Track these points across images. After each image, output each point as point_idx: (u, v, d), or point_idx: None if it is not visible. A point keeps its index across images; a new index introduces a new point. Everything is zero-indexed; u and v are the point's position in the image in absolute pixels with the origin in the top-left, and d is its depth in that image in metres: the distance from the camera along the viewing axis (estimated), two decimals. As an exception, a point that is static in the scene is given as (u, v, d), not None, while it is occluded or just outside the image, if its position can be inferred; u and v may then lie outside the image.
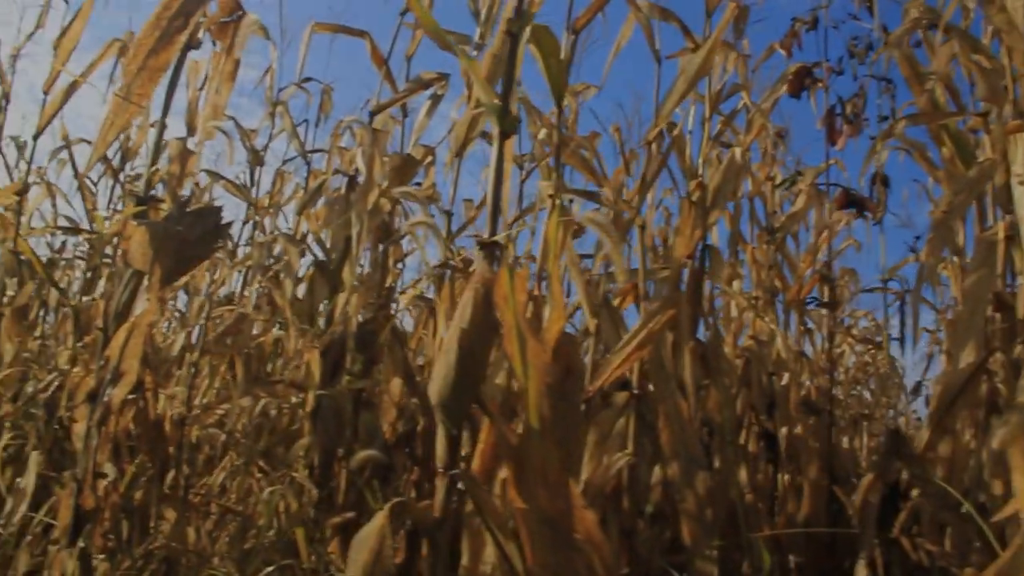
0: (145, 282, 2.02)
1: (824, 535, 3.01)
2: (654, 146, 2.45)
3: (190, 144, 3.21)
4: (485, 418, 1.63)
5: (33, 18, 3.50)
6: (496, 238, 1.54)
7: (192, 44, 2.32)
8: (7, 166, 4.12)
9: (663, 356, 2.32)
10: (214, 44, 2.47)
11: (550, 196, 1.95)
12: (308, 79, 3.59)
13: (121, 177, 3.78)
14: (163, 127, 2.24)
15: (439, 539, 1.51)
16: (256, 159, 3.34)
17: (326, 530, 2.41)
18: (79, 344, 2.43)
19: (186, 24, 2.19)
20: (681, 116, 3.18)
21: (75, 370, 2.21)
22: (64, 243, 4.88)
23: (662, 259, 3.69)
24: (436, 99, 2.99)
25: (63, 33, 2.88)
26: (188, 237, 2.09)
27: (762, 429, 2.68)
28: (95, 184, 4.50)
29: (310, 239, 3.47)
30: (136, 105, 2.06)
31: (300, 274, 3.08)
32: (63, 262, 4.88)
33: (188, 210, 2.13)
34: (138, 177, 4.41)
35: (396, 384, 2.95)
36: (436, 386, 1.46)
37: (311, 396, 2.35)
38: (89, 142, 3.52)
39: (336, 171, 3.34)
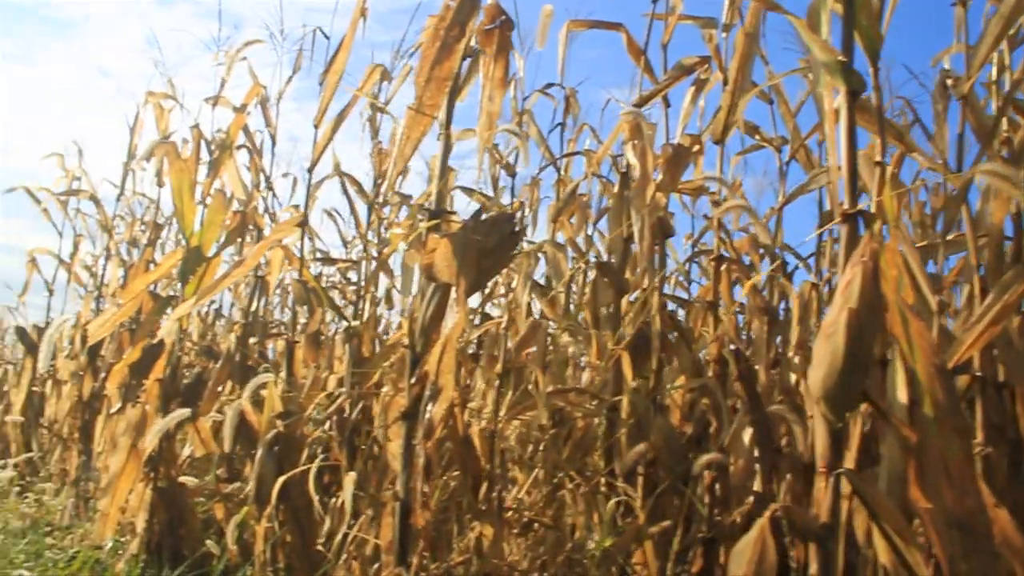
0: (453, 295, 1.99)
1: None
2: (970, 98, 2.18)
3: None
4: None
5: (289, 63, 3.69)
6: (860, 208, 1.37)
7: (467, 53, 2.30)
8: (266, 205, 4.36)
9: (1009, 332, 2.06)
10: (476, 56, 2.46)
11: (876, 164, 1.74)
12: (550, 84, 3.53)
13: (378, 200, 3.86)
14: (448, 139, 2.23)
15: (830, 546, 1.35)
16: (509, 170, 3.32)
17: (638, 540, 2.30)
18: (386, 365, 2.45)
19: (462, 33, 2.17)
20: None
21: (384, 390, 2.22)
22: (320, 273, 5.12)
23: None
24: (700, 84, 2.84)
25: (328, 66, 2.97)
26: (486, 246, 2.06)
27: None
28: (334, 215, 4.67)
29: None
30: (429, 116, 2.05)
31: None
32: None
33: (483, 219, 2.10)
34: (385, 204, 4.54)
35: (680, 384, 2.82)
36: (819, 374, 1.30)
37: (627, 401, 2.25)
38: (348, 175, 3.63)
39: (593, 174, 3.25)
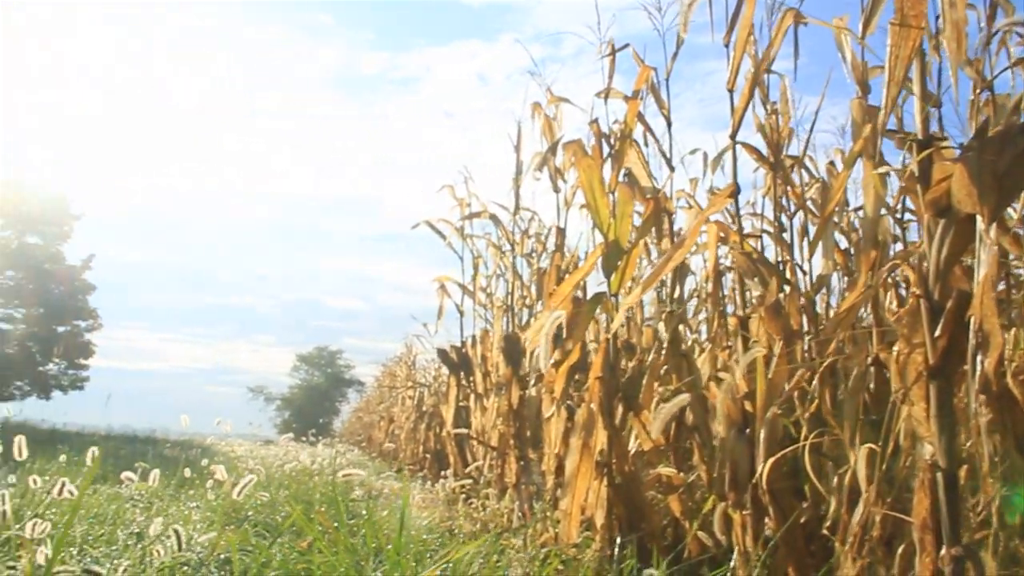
0: (980, 225, 1.71)
1: None
2: None
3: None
4: None
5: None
6: None
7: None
8: (655, 187, 4.27)
9: None
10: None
11: None
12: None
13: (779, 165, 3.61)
14: (923, 56, 1.94)
15: None
16: (930, 100, 2.90)
17: None
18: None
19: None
20: None
21: (896, 347, 1.97)
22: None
23: None
24: None
25: (731, 26, 2.80)
26: (999, 167, 1.75)
27: None
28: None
29: None
30: (916, 28, 1.79)
31: None
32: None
33: (989, 136, 1.79)
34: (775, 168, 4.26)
35: None
36: None
37: None
38: (744, 143, 3.42)
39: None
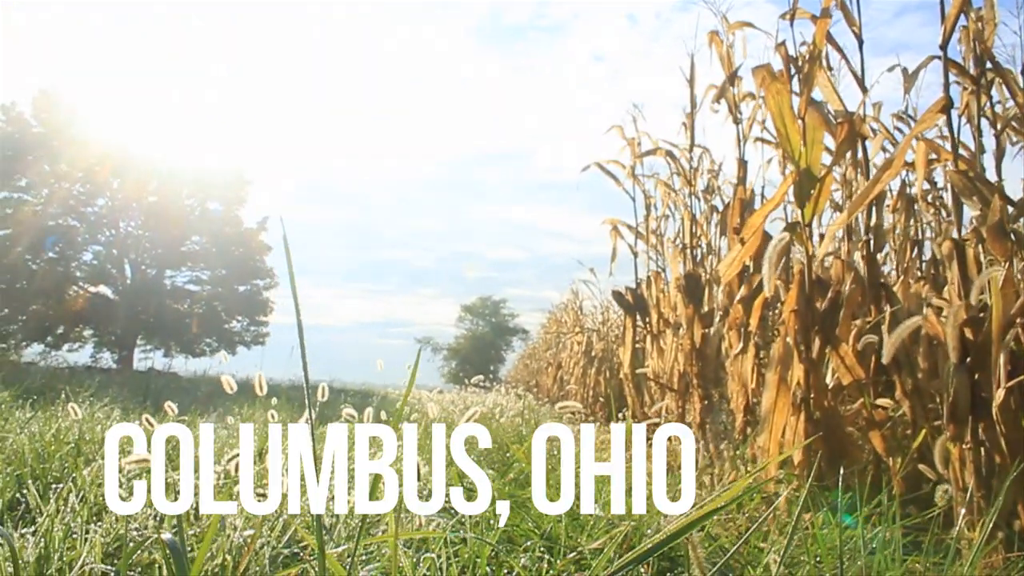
0: None
1: None
2: None
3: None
4: None
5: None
6: None
7: None
8: (846, 111, 4.05)
9: None
10: None
11: None
12: None
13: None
14: None
15: None
16: None
17: None
18: None
19: None
20: None
21: None
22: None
23: None
24: None
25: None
26: None
27: None
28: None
29: None
30: None
31: None
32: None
33: None
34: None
35: None
36: None
37: None
38: (951, 59, 3.17)
39: None
